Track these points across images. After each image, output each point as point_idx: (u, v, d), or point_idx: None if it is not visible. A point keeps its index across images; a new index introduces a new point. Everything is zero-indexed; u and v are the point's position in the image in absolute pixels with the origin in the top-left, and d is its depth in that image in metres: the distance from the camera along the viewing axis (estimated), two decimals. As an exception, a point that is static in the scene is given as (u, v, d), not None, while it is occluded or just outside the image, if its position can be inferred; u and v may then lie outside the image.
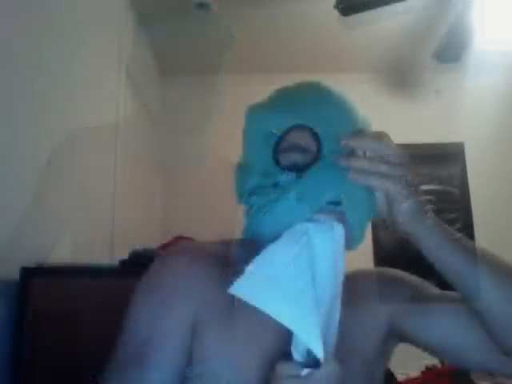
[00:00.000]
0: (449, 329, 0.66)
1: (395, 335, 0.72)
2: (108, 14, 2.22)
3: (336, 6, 2.08)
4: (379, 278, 0.75)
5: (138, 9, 2.61)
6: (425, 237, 0.60)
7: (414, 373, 1.64)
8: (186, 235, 2.05)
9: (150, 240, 2.64)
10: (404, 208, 0.59)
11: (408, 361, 1.54)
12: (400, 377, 1.60)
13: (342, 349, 0.61)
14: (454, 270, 0.60)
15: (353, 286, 0.71)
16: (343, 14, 2.14)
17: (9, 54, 1.28)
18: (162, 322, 0.62)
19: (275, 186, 0.63)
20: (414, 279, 0.74)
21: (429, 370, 1.61)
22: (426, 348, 0.69)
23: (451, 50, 2.50)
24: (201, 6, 2.56)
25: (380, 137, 0.60)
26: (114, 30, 2.30)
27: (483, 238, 3.02)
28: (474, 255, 0.60)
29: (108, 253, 2.08)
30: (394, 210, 0.60)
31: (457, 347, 0.66)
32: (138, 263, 1.11)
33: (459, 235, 0.62)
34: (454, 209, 3.28)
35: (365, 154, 0.63)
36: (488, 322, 0.61)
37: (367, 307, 0.71)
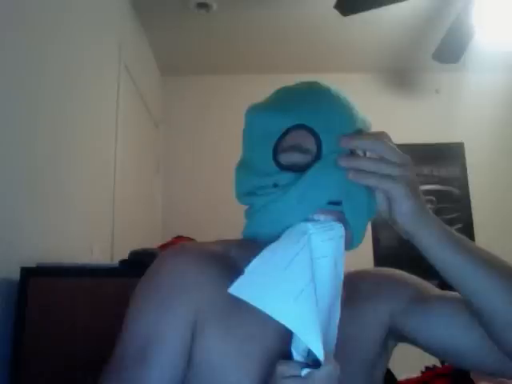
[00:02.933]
0: (449, 329, 0.66)
1: (395, 335, 0.72)
2: (108, 14, 2.22)
3: (336, 6, 2.08)
4: (379, 278, 0.75)
5: (137, 9, 2.61)
6: (425, 237, 0.60)
7: (414, 373, 1.64)
8: (185, 235, 2.05)
9: (150, 240, 2.65)
10: (404, 208, 0.59)
11: (408, 361, 1.54)
12: (400, 377, 1.60)
13: (342, 349, 0.61)
14: (455, 270, 0.60)
15: (353, 286, 0.71)
16: (343, 14, 2.14)
17: (8, 54, 1.28)
18: (161, 322, 0.62)
19: (275, 186, 0.63)
20: (414, 279, 0.74)
21: (429, 369, 1.60)
22: (426, 348, 0.69)
23: (451, 50, 2.50)
24: (201, 6, 2.56)
25: (380, 137, 0.60)
26: (113, 29, 2.30)
27: (483, 238, 3.02)
28: (475, 256, 0.60)
29: (108, 253, 2.08)
30: (394, 210, 0.60)
31: (457, 348, 0.66)
32: (138, 263, 1.12)
33: (460, 235, 0.62)
34: (454, 209, 3.28)
35: (365, 153, 0.63)
36: (488, 322, 0.61)
37: (367, 307, 0.71)
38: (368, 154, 0.62)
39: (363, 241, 0.66)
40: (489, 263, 0.60)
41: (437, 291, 0.71)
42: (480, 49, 2.79)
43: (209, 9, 2.58)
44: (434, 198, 3.26)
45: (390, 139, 0.60)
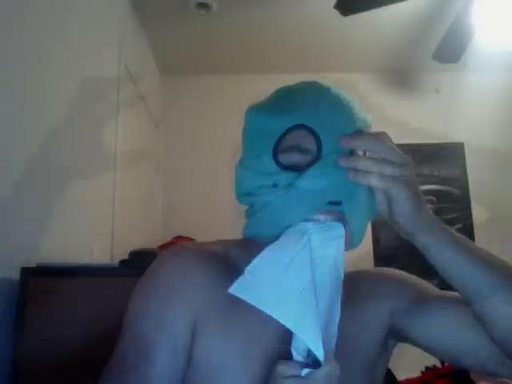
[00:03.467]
0: (448, 329, 0.66)
1: (395, 335, 0.72)
2: (108, 13, 2.22)
3: (336, 6, 2.08)
4: (379, 278, 0.75)
5: (137, 9, 2.61)
6: (425, 237, 0.60)
7: (414, 373, 1.64)
8: (185, 235, 2.05)
9: (150, 240, 2.65)
10: (404, 209, 0.58)
11: (408, 361, 1.54)
12: (400, 377, 1.60)
13: (342, 349, 0.61)
14: (455, 270, 0.60)
15: (353, 285, 0.71)
16: (343, 14, 2.14)
17: (8, 54, 1.28)
18: (162, 322, 0.62)
19: (275, 186, 0.63)
20: (414, 279, 0.74)
21: (429, 369, 1.60)
22: (426, 348, 0.69)
23: (451, 50, 2.50)
24: (201, 6, 2.56)
25: (380, 137, 0.60)
26: (114, 29, 2.30)
27: (483, 238, 3.02)
28: (475, 256, 0.60)
29: (108, 253, 2.08)
30: (394, 211, 0.60)
31: (456, 348, 0.66)
32: (138, 263, 1.12)
33: (460, 235, 0.62)
34: (454, 209, 3.28)
35: (365, 153, 0.63)
36: (489, 323, 0.61)
37: (367, 307, 0.71)
38: (368, 154, 0.62)
39: (363, 241, 0.66)
40: (489, 263, 0.60)
41: (436, 291, 0.71)
42: (480, 48, 2.79)
43: (209, 9, 2.58)
44: (434, 198, 3.26)
45: (389, 139, 0.60)
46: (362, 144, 0.60)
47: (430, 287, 0.72)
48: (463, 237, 0.62)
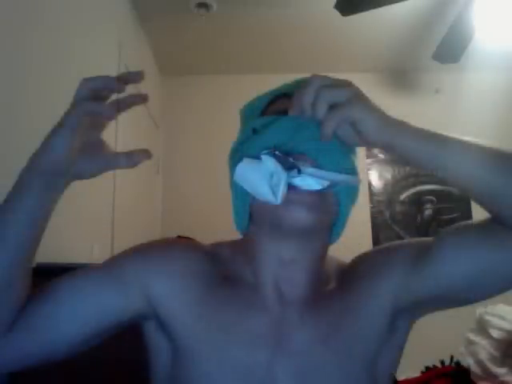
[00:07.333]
0: (465, 255, 0.61)
1: (408, 312, 0.67)
2: (108, 13, 2.22)
3: (336, 6, 2.08)
4: (377, 254, 0.71)
5: (137, 9, 2.61)
6: (403, 141, 0.58)
7: (414, 373, 1.63)
8: (185, 235, 2.05)
9: (149, 240, 2.64)
10: (369, 124, 0.57)
11: (408, 361, 1.54)
12: (400, 377, 1.59)
13: (342, 345, 0.62)
14: (443, 161, 0.58)
15: (352, 274, 0.68)
16: (343, 14, 2.14)
17: (8, 53, 1.28)
18: (123, 261, 0.66)
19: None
20: (408, 240, 0.72)
21: (429, 369, 1.60)
22: (449, 291, 0.62)
23: (451, 50, 2.50)
24: (201, 5, 2.56)
25: (310, 79, 0.59)
26: (114, 29, 2.30)
27: (483, 238, 3.02)
28: (457, 139, 0.58)
29: (108, 253, 2.08)
30: (362, 133, 0.58)
31: (480, 268, 0.60)
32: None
33: (433, 132, 0.59)
34: (454, 209, 3.28)
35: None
36: (490, 202, 0.60)
37: (368, 297, 0.66)
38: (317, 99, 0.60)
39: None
40: (473, 144, 0.58)
41: (432, 238, 0.67)
42: (480, 48, 2.79)
43: (209, 9, 2.58)
44: (434, 198, 3.26)
45: (317, 76, 0.59)
46: (304, 92, 0.58)
47: (425, 239, 0.69)
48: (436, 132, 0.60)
